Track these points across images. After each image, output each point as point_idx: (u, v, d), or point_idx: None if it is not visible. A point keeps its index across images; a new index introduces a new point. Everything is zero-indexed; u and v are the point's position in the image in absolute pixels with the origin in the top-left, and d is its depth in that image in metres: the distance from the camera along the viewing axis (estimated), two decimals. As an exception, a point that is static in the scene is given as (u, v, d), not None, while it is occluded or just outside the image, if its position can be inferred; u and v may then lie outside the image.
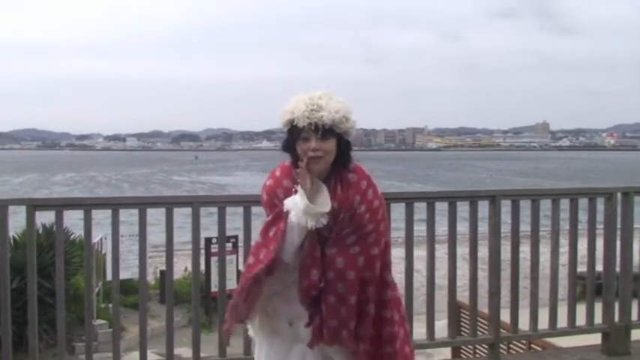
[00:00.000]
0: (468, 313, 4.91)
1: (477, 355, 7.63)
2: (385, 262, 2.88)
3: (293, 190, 2.77)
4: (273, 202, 2.84)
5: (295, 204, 2.71)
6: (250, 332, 3.11)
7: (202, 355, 4.31)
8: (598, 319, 5.01)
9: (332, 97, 2.72)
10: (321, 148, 2.69)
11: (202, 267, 12.68)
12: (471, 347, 8.12)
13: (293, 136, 2.74)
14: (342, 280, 2.74)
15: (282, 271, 2.81)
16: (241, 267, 4.33)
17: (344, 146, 2.76)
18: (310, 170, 2.70)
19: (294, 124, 2.70)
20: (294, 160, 2.78)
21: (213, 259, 12.56)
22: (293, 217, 2.71)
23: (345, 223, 2.74)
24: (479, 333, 4.99)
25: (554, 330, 4.95)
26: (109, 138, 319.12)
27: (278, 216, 2.78)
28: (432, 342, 4.72)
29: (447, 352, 8.10)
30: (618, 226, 5.03)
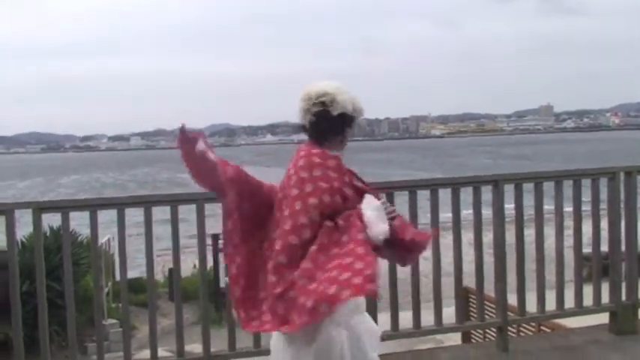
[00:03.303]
0: (475, 298, 4.93)
1: (487, 340, 7.68)
2: None
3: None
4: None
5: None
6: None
7: (213, 350, 4.35)
8: (605, 299, 5.03)
9: None
10: None
11: (211, 264, 12.71)
12: (480, 332, 8.16)
13: (346, 123, 3.12)
14: None
15: None
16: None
17: None
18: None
19: (354, 117, 3.13)
20: (335, 138, 3.13)
21: (222, 255, 12.60)
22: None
23: None
24: (487, 317, 5.02)
25: (561, 311, 4.98)
26: (113, 138, 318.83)
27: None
28: (440, 328, 4.76)
29: (457, 337, 8.15)
30: (622, 205, 5.05)
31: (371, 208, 2.95)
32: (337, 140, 3.12)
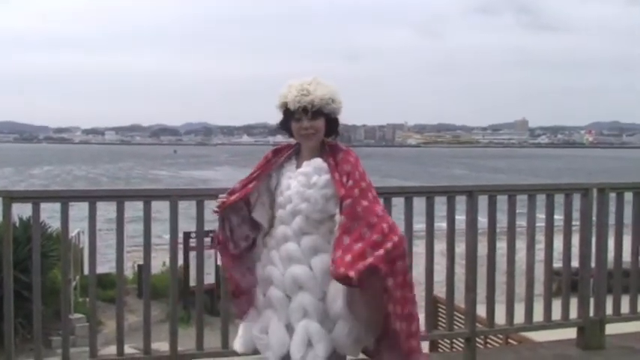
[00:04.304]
0: (445, 307, 4.94)
1: (454, 350, 7.71)
2: None
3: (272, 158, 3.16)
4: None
5: None
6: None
7: (180, 348, 4.31)
8: (573, 313, 5.06)
9: (320, 82, 3.06)
10: (312, 127, 3.04)
11: (181, 262, 12.63)
12: (448, 341, 8.20)
13: (287, 117, 3.09)
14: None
15: (265, 234, 3.11)
16: (220, 262, 4.35)
17: (332, 123, 3.12)
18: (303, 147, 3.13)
19: (288, 107, 3.02)
20: (290, 135, 3.14)
21: (192, 254, 12.51)
22: None
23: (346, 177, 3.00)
24: (455, 327, 5.04)
25: (530, 324, 5.00)
26: (87, 131, 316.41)
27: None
28: (409, 336, 4.74)
29: (424, 346, 8.15)
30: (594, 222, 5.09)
31: None
32: (289, 132, 3.15)
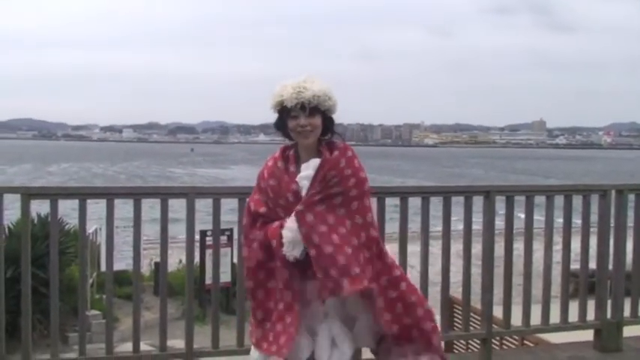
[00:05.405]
0: (461, 308, 4.92)
1: (470, 351, 7.67)
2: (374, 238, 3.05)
3: (277, 166, 3.08)
4: (258, 183, 3.16)
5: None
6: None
7: (195, 346, 4.32)
8: (591, 315, 5.02)
9: (315, 80, 3.03)
10: (309, 124, 3.00)
11: (197, 260, 12.67)
12: (463, 342, 8.16)
13: (283, 116, 3.05)
14: (335, 231, 2.93)
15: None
16: (236, 260, 4.35)
17: (328, 121, 3.08)
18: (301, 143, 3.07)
19: (284, 105, 2.99)
20: (286, 136, 3.11)
21: (208, 252, 12.52)
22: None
23: (333, 182, 2.98)
24: (471, 328, 5.01)
25: (546, 326, 4.97)
26: (105, 129, 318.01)
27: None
28: (424, 336, 4.73)
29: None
30: (612, 223, 5.05)
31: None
32: (285, 132, 3.11)
